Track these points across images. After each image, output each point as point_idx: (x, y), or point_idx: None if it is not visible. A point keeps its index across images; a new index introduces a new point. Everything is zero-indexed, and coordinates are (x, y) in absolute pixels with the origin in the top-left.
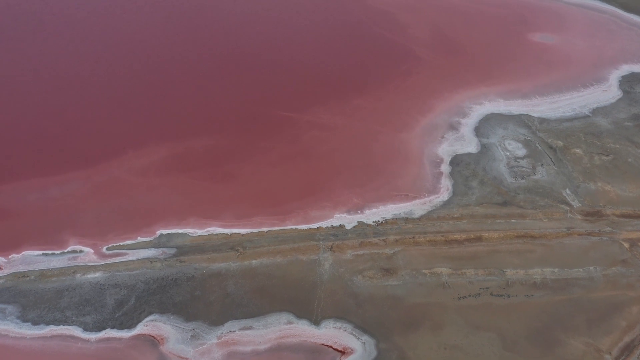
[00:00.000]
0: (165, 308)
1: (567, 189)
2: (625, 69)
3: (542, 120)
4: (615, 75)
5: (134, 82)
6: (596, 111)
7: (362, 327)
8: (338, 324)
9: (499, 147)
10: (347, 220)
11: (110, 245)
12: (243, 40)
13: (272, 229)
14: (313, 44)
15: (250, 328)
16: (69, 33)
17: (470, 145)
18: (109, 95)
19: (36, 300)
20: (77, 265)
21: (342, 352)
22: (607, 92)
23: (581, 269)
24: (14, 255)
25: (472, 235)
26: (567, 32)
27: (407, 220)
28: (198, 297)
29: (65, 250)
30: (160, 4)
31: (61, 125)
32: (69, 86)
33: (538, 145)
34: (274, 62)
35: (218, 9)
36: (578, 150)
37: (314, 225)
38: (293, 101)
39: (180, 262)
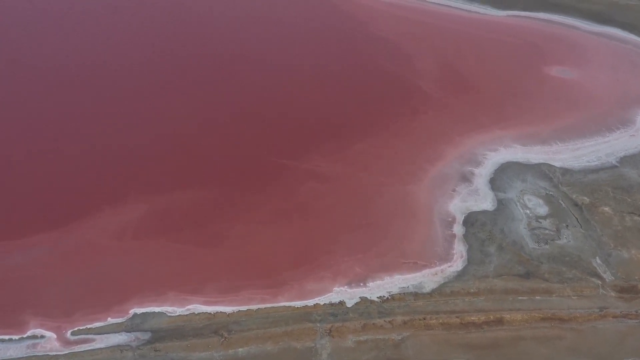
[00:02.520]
0: None
1: (597, 258)
2: None
3: (565, 171)
4: None
5: (111, 126)
6: (624, 160)
7: None
8: None
9: (518, 204)
10: (347, 295)
11: (76, 329)
12: (232, 73)
13: (262, 306)
14: (311, 78)
15: None
16: (42, 74)
17: (485, 201)
18: (83, 141)
19: None
20: (36, 356)
21: None
22: (636, 137)
23: None
24: None
25: (491, 317)
26: (586, 65)
27: (416, 295)
28: None
29: (25, 336)
30: (139, 39)
31: (26, 177)
32: (38, 129)
33: (561, 202)
34: (267, 101)
35: (201, 39)
36: (607, 209)
37: (310, 302)
38: (289, 145)
39: (155, 350)
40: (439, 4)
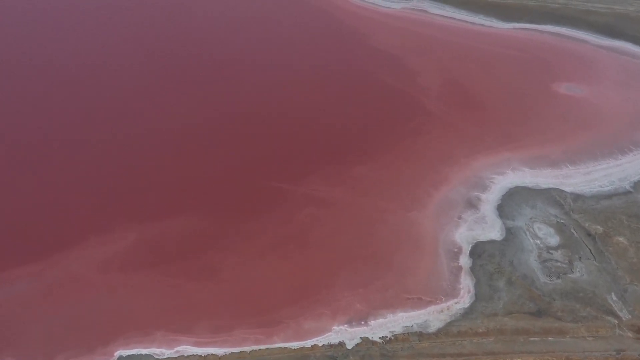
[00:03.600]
0: None
1: (613, 294)
2: None
3: (576, 197)
4: None
5: (98, 149)
6: (639, 185)
7: None
8: None
9: (528, 233)
10: (348, 335)
11: None
12: (225, 93)
13: (257, 347)
14: (309, 97)
15: None
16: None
17: (493, 230)
18: (67, 165)
19: None
20: None
21: None
22: None
23: None
24: None
25: None
26: (596, 82)
27: (421, 335)
28: None
29: None
30: (130, 64)
31: (5, 205)
32: (23, 153)
33: (574, 231)
34: (263, 120)
35: (201, 58)
36: (621, 239)
37: (308, 343)
38: (286, 168)
39: None
40: (442, 15)
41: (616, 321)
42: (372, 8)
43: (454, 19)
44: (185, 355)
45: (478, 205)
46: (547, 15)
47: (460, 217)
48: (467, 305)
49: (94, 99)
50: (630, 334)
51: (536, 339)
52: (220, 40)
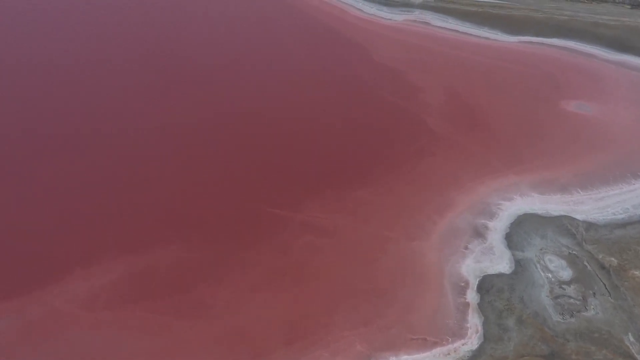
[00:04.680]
0: None
1: (630, 334)
2: None
3: (589, 226)
4: None
5: (82, 174)
6: None
7: None
8: None
9: (538, 266)
10: None
11: None
12: (223, 109)
13: None
14: (307, 115)
15: None
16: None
17: (501, 262)
18: (52, 191)
19: None
20: None
21: None
22: None
23: None
24: None
25: None
26: (606, 99)
27: None
28: None
29: None
30: (120, 81)
31: None
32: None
33: (587, 264)
34: (258, 142)
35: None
36: (637, 273)
37: None
38: (283, 192)
39: None
40: (445, 28)
41: None
42: (374, 20)
43: (457, 31)
44: None
45: (485, 234)
46: (553, 28)
47: (466, 248)
48: (475, 347)
49: (81, 115)
50: None
51: None
52: (218, 56)
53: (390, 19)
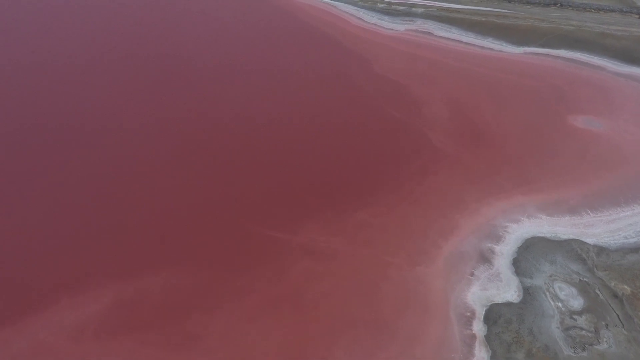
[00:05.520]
0: None
1: None
2: None
3: (600, 250)
4: None
5: (69, 195)
6: None
7: None
8: None
9: (548, 294)
10: None
11: None
12: (217, 125)
13: None
14: (306, 130)
15: None
16: None
17: (509, 290)
18: (37, 213)
19: None
20: None
21: None
22: None
23: None
24: None
25: None
26: (616, 114)
27: None
28: None
29: None
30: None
31: None
32: None
33: (598, 292)
34: (256, 159)
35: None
36: None
37: None
38: (280, 212)
39: None
40: (448, 38)
41: None
42: (375, 30)
43: (460, 42)
44: None
45: (492, 259)
46: (560, 39)
47: (472, 274)
48: None
49: (66, 129)
50: None
51: None
52: (213, 72)
53: (391, 29)
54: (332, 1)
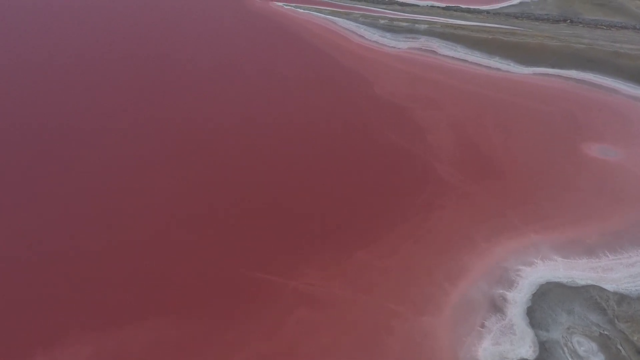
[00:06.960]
0: None
1: None
2: None
3: (621, 299)
4: None
5: (46, 235)
6: None
7: None
8: None
9: (566, 350)
10: None
11: None
12: (208, 155)
13: None
14: (301, 159)
15: None
16: None
17: (523, 344)
18: (8, 261)
19: None
20: None
21: None
22: None
23: None
24: None
25: None
26: (632, 142)
27: None
28: None
29: None
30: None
31: None
32: None
33: (620, 348)
34: (248, 194)
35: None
36: None
37: None
38: (274, 254)
39: None
40: (453, 57)
41: None
42: (377, 48)
43: (466, 61)
44: None
45: (504, 308)
46: (571, 58)
47: (483, 325)
48: None
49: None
50: None
51: None
52: (208, 93)
53: (394, 47)
54: (332, 17)
